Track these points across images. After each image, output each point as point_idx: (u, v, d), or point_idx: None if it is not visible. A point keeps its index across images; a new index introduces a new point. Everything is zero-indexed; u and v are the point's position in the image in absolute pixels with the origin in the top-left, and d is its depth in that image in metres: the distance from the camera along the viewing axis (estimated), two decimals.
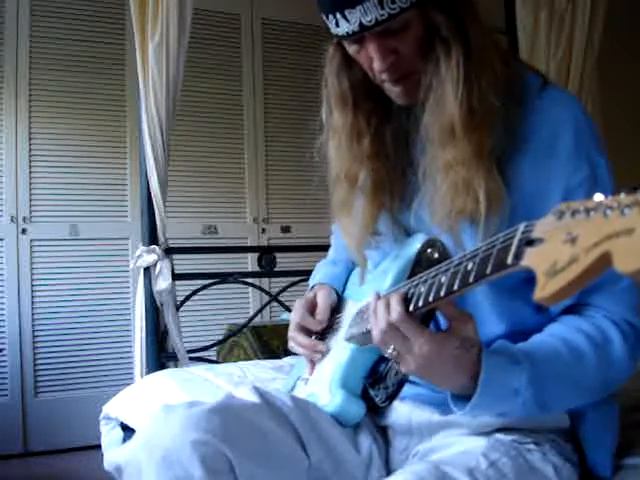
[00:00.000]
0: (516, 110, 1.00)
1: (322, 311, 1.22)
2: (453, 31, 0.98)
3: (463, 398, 0.91)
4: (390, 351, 0.92)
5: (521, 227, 0.68)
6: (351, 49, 1.05)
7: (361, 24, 0.97)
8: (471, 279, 0.74)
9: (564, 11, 2.66)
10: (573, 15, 2.67)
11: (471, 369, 0.88)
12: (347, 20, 0.98)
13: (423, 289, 0.86)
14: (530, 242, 0.63)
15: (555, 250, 0.56)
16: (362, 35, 1.00)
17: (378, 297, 0.93)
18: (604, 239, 0.51)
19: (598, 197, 0.56)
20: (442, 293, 0.81)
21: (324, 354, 1.17)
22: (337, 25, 1.00)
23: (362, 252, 1.14)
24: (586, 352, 0.94)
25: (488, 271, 0.71)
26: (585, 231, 0.54)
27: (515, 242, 0.67)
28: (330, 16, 1.01)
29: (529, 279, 0.62)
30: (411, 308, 0.87)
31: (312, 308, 1.24)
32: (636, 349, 0.98)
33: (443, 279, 0.81)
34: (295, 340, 1.22)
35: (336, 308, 1.24)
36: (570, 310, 0.99)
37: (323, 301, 1.23)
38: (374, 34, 0.99)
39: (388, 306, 0.90)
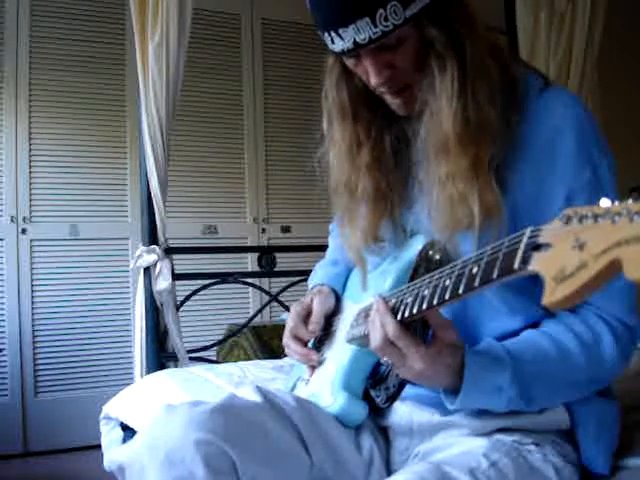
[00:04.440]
0: (516, 114, 1.00)
1: (315, 321, 1.21)
2: (448, 45, 0.97)
3: (454, 392, 0.93)
4: (385, 359, 0.95)
5: (527, 232, 0.67)
6: (349, 63, 1.06)
7: (355, 42, 0.98)
8: (476, 283, 0.74)
9: (564, 11, 2.67)
10: (573, 15, 2.67)
11: (459, 371, 0.92)
12: (341, 38, 0.99)
13: (427, 292, 0.86)
14: (537, 247, 0.63)
15: (563, 255, 0.56)
16: (357, 52, 1.00)
17: (382, 300, 0.94)
18: (613, 246, 0.51)
19: (605, 203, 0.56)
20: (447, 296, 0.80)
21: (319, 362, 1.18)
22: (332, 42, 1.01)
23: (364, 258, 1.14)
24: (574, 352, 0.95)
25: (494, 275, 0.70)
26: (594, 237, 0.54)
27: (522, 247, 0.66)
28: (325, 33, 1.01)
29: (534, 279, 0.62)
30: (414, 311, 0.87)
31: (308, 314, 1.23)
32: (628, 349, 0.99)
33: (447, 282, 0.81)
34: (289, 348, 1.23)
35: (335, 309, 1.24)
36: None
37: (318, 308, 1.22)
38: (369, 50, 0.99)
39: (385, 319, 0.92)
